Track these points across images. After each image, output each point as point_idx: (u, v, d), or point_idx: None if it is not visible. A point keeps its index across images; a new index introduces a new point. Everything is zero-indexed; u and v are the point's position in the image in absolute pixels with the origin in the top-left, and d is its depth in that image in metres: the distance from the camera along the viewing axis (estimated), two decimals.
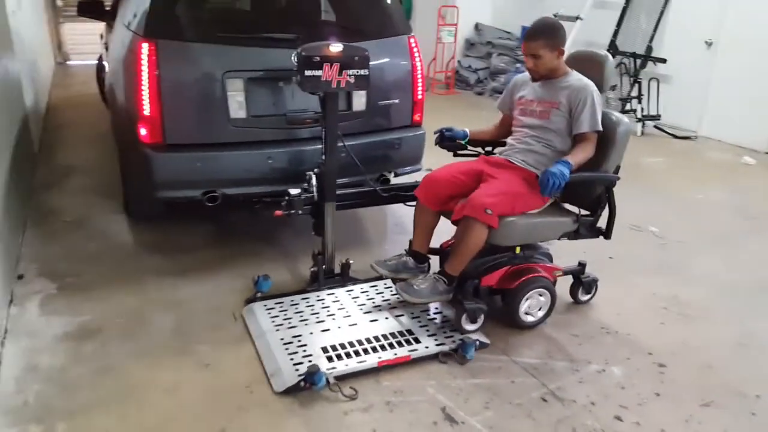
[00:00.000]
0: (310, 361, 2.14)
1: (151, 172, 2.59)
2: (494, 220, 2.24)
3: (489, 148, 2.71)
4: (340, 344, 2.26)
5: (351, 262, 2.65)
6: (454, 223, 2.36)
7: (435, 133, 2.68)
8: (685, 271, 3.06)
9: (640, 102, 5.90)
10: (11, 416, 1.86)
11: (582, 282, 2.67)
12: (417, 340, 2.32)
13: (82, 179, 3.83)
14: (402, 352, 2.24)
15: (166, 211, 3.22)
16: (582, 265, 2.66)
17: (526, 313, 2.43)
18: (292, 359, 2.15)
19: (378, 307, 2.48)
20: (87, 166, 4.03)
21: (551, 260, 2.60)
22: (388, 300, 2.55)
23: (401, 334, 2.35)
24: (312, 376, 1.99)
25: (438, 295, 2.37)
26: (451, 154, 2.72)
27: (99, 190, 3.62)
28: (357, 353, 2.22)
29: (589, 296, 2.70)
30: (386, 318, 2.44)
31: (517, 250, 2.45)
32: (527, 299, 2.40)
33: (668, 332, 2.53)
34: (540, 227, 2.40)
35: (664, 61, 5.83)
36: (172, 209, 3.20)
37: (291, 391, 2.01)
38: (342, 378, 2.09)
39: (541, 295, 2.43)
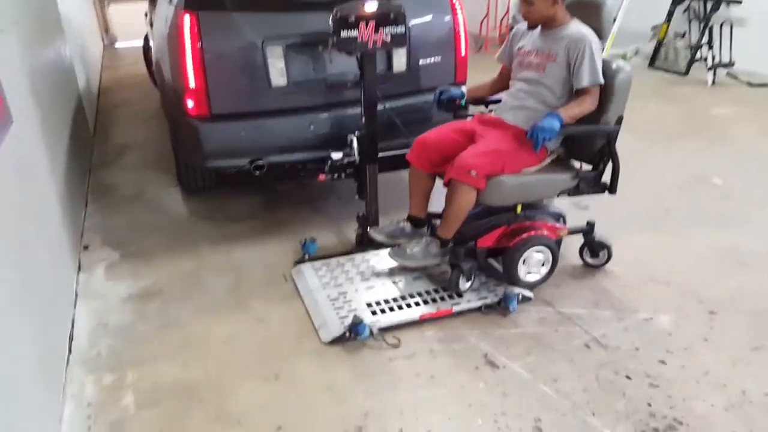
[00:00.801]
0: (355, 314, 2.37)
1: (200, 143, 2.84)
2: (480, 181, 2.30)
3: (493, 106, 2.73)
4: (384, 300, 2.48)
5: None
6: (445, 186, 2.41)
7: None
8: (748, 224, 3.09)
9: (711, 48, 5.75)
10: (87, 366, 2.19)
11: (587, 243, 2.72)
12: (460, 295, 2.51)
13: (136, 156, 4.19)
14: (444, 305, 2.44)
15: (218, 182, 3.48)
16: (590, 225, 2.71)
17: (528, 273, 2.53)
18: (338, 313, 2.39)
19: (425, 266, 2.66)
20: (140, 144, 4.39)
21: (561, 220, 2.69)
22: None
23: (444, 289, 2.54)
24: (356, 326, 2.22)
25: (431, 257, 2.50)
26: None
27: (153, 165, 3.96)
28: (400, 307, 2.43)
29: (596, 260, 2.73)
30: (429, 275, 2.64)
31: (518, 209, 2.52)
32: (524, 259, 2.48)
33: (723, 281, 2.61)
34: (533, 185, 2.44)
35: (739, 1, 5.64)
36: (223, 181, 3.47)
37: (337, 341, 2.24)
38: (385, 330, 2.30)
39: (539, 252, 2.50)
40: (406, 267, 2.58)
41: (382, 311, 2.41)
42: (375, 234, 2.70)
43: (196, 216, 3.32)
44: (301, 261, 2.77)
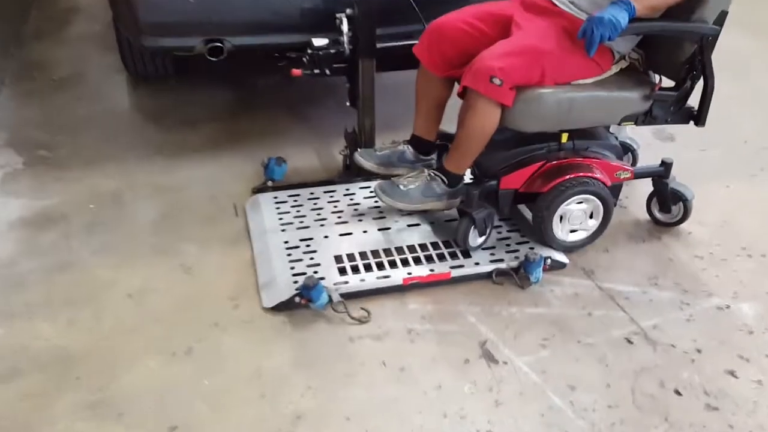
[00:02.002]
0: (315, 272, 2.13)
1: (134, 11, 2.55)
2: (506, 94, 1.97)
3: None
4: (360, 253, 2.20)
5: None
6: (460, 97, 2.10)
7: None
8: None
9: None
10: None
11: (658, 191, 2.37)
12: (466, 254, 2.22)
13: (84, 27, 3.91)
14: (441, 267, 2.15)
15: (175, 69, 3.24)
16: (665, 166, 2.32)
17: (568, 230, 2.22)
18: (293, 268, 2.13)
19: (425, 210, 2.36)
20: (94, 11, 4.09)
21: (628, 156, 2.34)
22: None
23: (446, 244, 2.25)
24: (309, 290, 1.97)
25: (433, 199, 2.21)
26: None
27: (103, 41, 3.65)
28: (380, 266, 2.16)
29: (667, 216, 2.40)
30: (431, 223, 2.34)
31: (563, 138, 2.18)
32: (562, 210, 2.17)
33: None
34: (585, 106, 2.09)
35: None
36: (181, 67, 3.23)
37: (283, 308, 2.00)
38: (352, 297, 2.05)
39: (584, 203, 2.18)
40: (398, 209, 2.29)
41: (355, 269, 2.14)
42: (362, 158, 2.39)
43: (140, 114, 3.09)
44: (261, 189, 2.52)
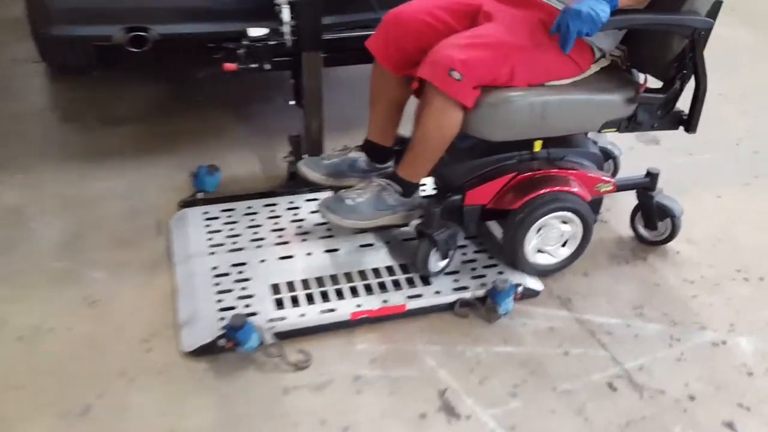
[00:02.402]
0: (247, 305, 1.85)
1: None
2: (466, 91, 1.72)
3: None
4: (302, 281, 1.93)
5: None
6: (416, 95, 1.89)
7: None
8: None
9: None
10: None
11: (643, 205, 2.14)
12: (425, 280, 1.96)
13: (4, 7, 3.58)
14: (396, 298, 1.88)
15: (99, 60, 2.95)
16: (650, 177, 2.09)
17: (538, 251, 1.98)
18: (220, 301, 1.85)
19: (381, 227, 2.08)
20: None
21: (610, 164, 2.14)
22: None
23: (403, 268, 1.99)
24: (236, 330, 1.68)
25: (388, 213, 1.96)
26: None
27: (22, 27, 3.31)
28: (325, 296, 1.88)
29: (653, 233, 2.17)
30: (387, 242, 2.08)
31: (536, 146, 1.93)
32: (537, 229, 1.93)
33: None
34: (559, 111, 1.84)
35: None
36: (106, 58, 2.94)
37: (205, 352, 1.72)
38: (292, 335, 1.78)
39: (564, 222, 1.94)
40: (343, 227, 2.01)
41: (294, 301, 1.87)
42: (307, 168, 2.13)
43: (56, 112, 2.81)
44: (189, 202, 2.23)
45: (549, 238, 1.96)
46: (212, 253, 2.02)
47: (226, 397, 1.64)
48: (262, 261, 2.00)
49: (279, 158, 2.42)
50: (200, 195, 2.23)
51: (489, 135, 1.84)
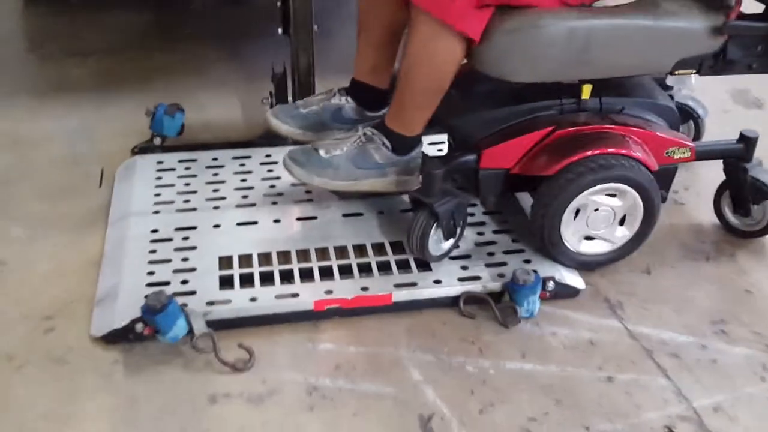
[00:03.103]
0: (184, 282, 1.47)
1: None
2: (466, 13, 1.34)
3: None
4: (261, 255, 1.54)
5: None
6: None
7: None
8: None
9: None
10: None
11: (732, 182, 1.65)
12: (424, 265, 1.54)
13: None
14: (380, 285, 1.47)
15: None
16: (746, 142, 1.61)
17: (585, 237, 1.53)
18: (152, 273, 1.48)
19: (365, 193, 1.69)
20: None
21: (685, 126, 1.67)
22: None
23: (396, 248, 1.58)
24: (154, 313, 1.30)
25: (373, 173, 1.59)
26: None
27: None
28: (287, 276, 1.49)
29: (745, 220, 1.69)
30: (380, 213, 1.67)
31: (585, 92, 1.49)
32: (579, 208, 1.48)
33: None
34: (611, 41, 1.42)
35: None
36: None
37: (119, 339, 1.35)
38: (234, 325, 1.39)
39: (614, 196, 1.48)
40: (314, 187, 1.63)
41: (247, 280, 1.48)
42: (278, 120, 1.77)
43: (20, 40, 2.64)
44: (144, 149, 1.88)
45: (596, 220, 1.50)
46: (156, 212, 1.66)
47: (133, 400, 1.27)
48: (216, 226, 1.62)
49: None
50: (157, 140, 1.87)
51: (509, 74, 1.42)
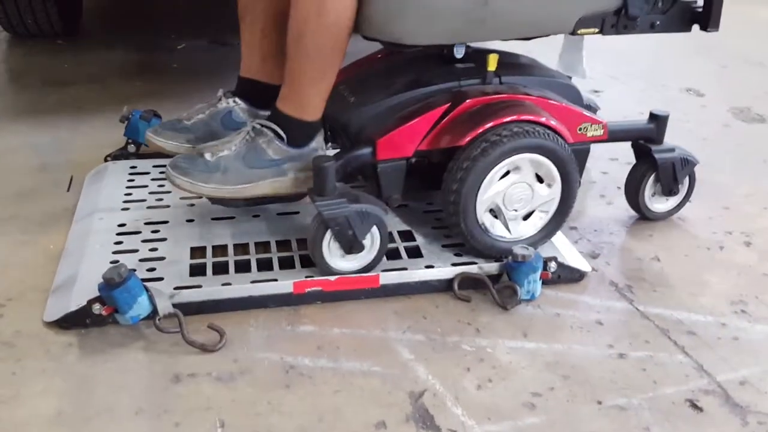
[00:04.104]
0: (151, 269, 1.37)
1: None
2: None
3: None
4: (237, 245, 1.46)
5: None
6: None
7: None
8: None
9: None
10: None
11: (648, 161, 1.58)
12: (416, 254, 1.45)
13: None
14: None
15: (64, 27, 2.78)
16: (657, 119, 1.56)
17: (490, 211, 1.41)
18: (115, 263, 1.38)
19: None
20: None
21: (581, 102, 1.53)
22: None
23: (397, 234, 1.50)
24: (112, 288, 1.20)
25: (268, 172, 1.39)
26: None
27: None
28: (266, 265, 1.40)
29: (669, 202, 1.64)
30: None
31: (491, 62, 1.40)
32: (496, 176, 1.36)
33: None
34: None
35: None
36: (70, 25, 2.81)
37: (74, 323, 1.25)
38: (204, 309, 1.29)
39: (519, 168, 1.38)
40: (202, 195, 1.42)
41: (220, 268, 1.39)
42: (158, 137, 1.57)
43: (2, 72, 2.56)
44: (118, 156, 1.82)
45: (514, 197, 1.39)
46: (125, 209, 1.58)
47: (87, 381, 1.16)
48: (190, 221, 1.54)
49: None
50: (131, 147, 1.81)
51: (402, 35, 1.32)
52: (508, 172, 1.37)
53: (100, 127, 2.04)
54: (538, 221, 1.44)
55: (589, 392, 1.16)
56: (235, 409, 1.10)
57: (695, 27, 1.50)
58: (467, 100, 1.36)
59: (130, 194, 1.63)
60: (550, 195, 1.41)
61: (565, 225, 1.51)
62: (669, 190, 1.59)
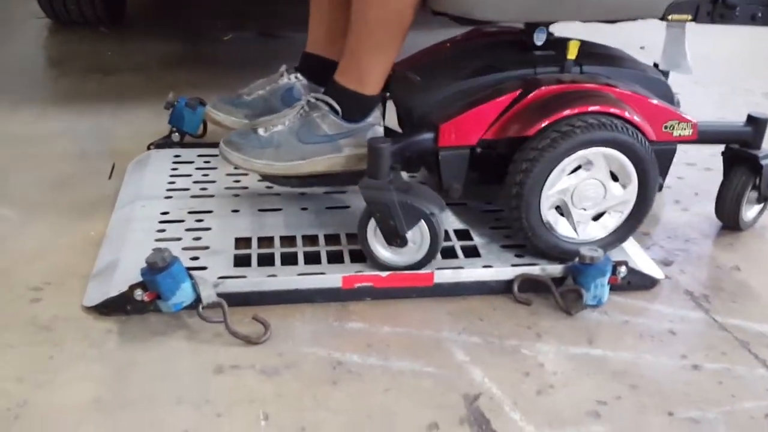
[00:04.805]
0: (195, 258, 1.41)
1: None
2: None
3: None
4: (284, 237, 1.49)
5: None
6: None
7: None
8: None
9: None
10: None
11: (749, 167, 1.54)
12: (473, 254, 1.46)
13: None
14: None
15: (108, 15, 2.87)
16: (755, 124, 1.52)
17: (557, 208, 1.41)
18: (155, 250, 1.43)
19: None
20: None
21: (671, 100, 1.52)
22: None
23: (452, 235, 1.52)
24: (155, 273, 1.25)
25: (324, 148, 1.43)
26: None
27: None
28: (314, 258, 1.43)
29: (754, 209, 1.62)
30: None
31: (571, 50, 1.41)
32: (565, 171, 1.36)
33: None
34: None
35: None
36: (116, 13, 2.93)
37: (115, 309, 1.29)
38: (250, 300, 1.32)
39: (591, 163, 1.37)
40: (254, 172, 1.49)
41: (266, 260, 1.42)
42: (218, 111, 1.69)
43: (43, 58, 2.71)
44: (161, 144, 1.88)
45: (583, 195, 1.39)
46: (168, 197, 1.63)
47: (126, 368, 1.19)
48: (235, 211, 1.58)
49: None
50: (176, 136, 1.87)
51: (473, 9, 1.32)
52: (579, 167, 1.37)
53: (142, 116, 2.11)
54: (610, 223, 1.43)
55: (659, 403, 1.15)
56: (279, 402, 1.13)
57: None
58: (540, 88, 1.37)
59: (173, 183, 1.69)
60: (624, 196, 1.41)
61: (637, 231, 1.51)
62: (765, 197, 1.58)
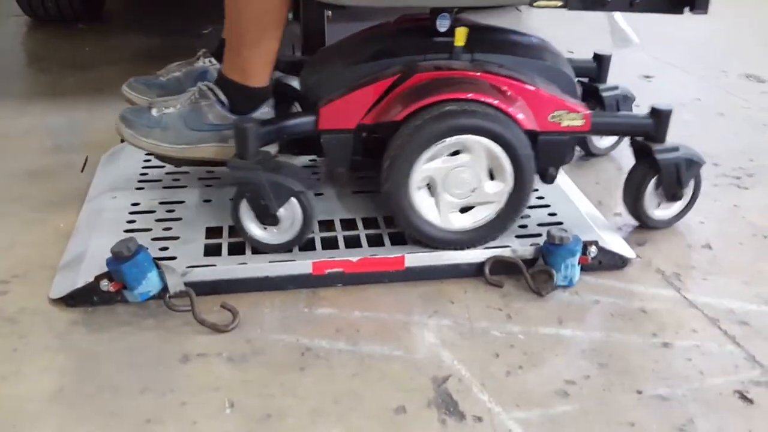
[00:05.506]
0: (164, 249, 1.38)
1: None
2: None
3: None
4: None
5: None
6: None
7: None
8: None
9: None
10: None
11: (648, 161, 1.46)
12: None
13: None
14: (391, 251, 1.37)
15: (85, 11, 2.81)
16: (659, 114, 1.44)
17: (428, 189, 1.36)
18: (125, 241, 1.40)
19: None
20: None
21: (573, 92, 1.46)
22: None
23: None
24: (120, 262, 1.22)
25: (208, 136, 1.42)
26: None
27: None
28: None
29: (672, 209, 1.52)
30: None
31: (458, 37, 1.37)
32: (429, 157, 1.31)
33: None
34: None
35: None
36: (93, 10, 2.90)
37: (81, 301, 1.27)
38: (218, 289, 1.30)
39: (470, 151, 1.31)
40: (142, 149, 1.47)
41: (236, 249, 1.39)
42: (132, 91, 1.66)
43: (20, 55, 2.67)
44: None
45: (457, 180, 1.34)
46: (140, 189, 1.60)
47: (91, 359, 1.17)
48: (207, 201, 1.55)
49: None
50: None
51: None
52: (458, 152, 1.32)
53: (118, 110, 2.05)
54: (478, 217, 1.37)
55: (628, 381, 1.13)
56: (246, 390, 1.10)
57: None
58: (416, 74, 1.33)
59: (145, 174, 1.65)
60: (496, 195, 1.35)
61: (608, 210, 1.49)
62: (672, 195, 1.48)
